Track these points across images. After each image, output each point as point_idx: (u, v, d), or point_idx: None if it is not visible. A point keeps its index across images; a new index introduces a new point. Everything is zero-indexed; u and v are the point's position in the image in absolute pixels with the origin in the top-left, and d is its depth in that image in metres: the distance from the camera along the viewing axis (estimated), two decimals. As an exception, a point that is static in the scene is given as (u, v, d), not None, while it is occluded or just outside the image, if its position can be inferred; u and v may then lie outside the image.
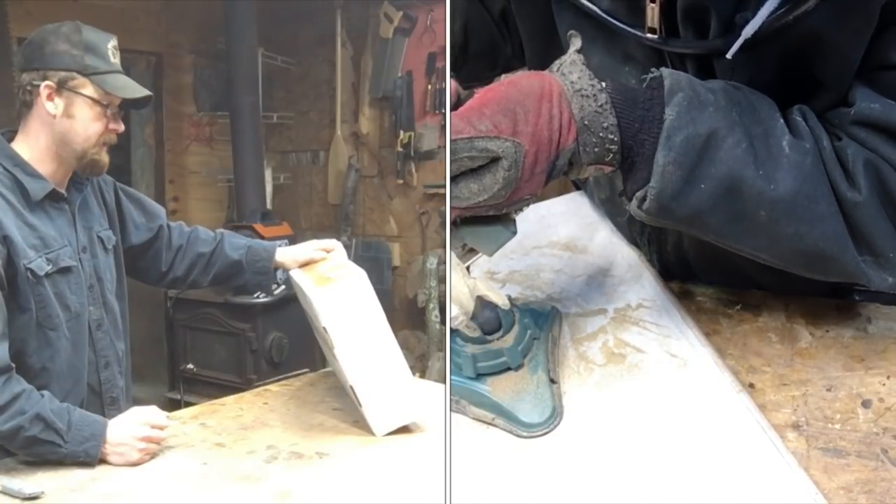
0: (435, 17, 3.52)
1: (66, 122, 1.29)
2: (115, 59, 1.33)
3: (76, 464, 1.15)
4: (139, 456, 1.17)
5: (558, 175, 0.79)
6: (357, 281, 1.25)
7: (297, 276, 1.39)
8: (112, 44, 1.33)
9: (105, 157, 1.34)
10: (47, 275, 1.26)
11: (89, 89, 1.29)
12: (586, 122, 0.76)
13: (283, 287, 3.11)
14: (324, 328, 1.22)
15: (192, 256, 1.54)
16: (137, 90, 1.34)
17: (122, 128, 1.34)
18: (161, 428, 1.21)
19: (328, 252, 1.43)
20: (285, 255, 1.48)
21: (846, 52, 0.80)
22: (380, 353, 1.23)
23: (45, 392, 1.18)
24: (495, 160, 0.74)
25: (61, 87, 1.29)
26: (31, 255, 1.24)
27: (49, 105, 1.29)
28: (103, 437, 1.17)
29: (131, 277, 1.53)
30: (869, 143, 0.81)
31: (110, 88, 1.30)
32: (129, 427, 1.19)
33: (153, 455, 1.19)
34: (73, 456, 1.15)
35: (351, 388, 1.24)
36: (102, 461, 1.17)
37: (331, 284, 1.27)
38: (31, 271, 1.24)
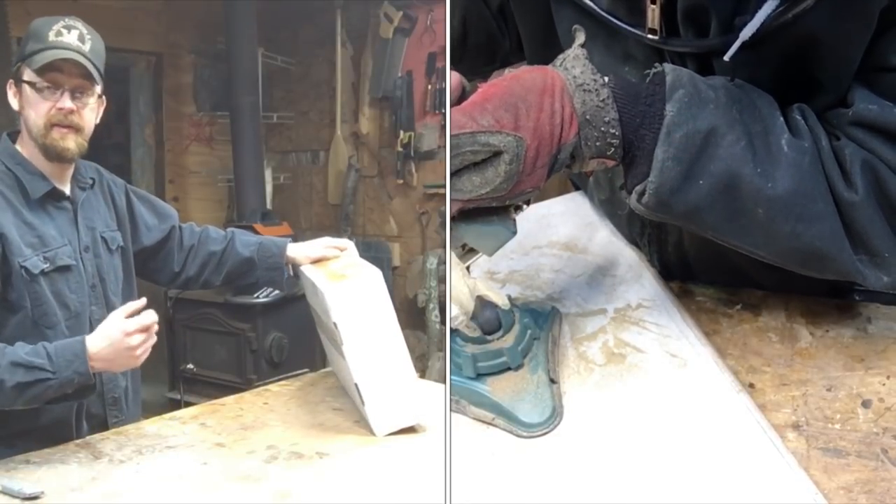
0: (435, 17, 3.52)
1: (24, 112, 1.30)
2: (57, 38, 1.27)
3: (79, 391, 1.13)
4: (140, 350, 1.16)
5: (560, 168, 0.79)
6: (372, 279, 1.24)
7: (308, 271, 1.39)
8: (60, 25, 1.28)
9: (69, 144, 1.29)
10: (44, 273, 1.26)
11: (27, 74, 1.28)
12: (588, 117, 0.76)
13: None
14: (334, 324, 1.21)
15: (204, 256, 1.54)
16: (57, 55, 1.25)
17: (68, 105, 1.27)
18: (141, 312, 1.16)
19: (341, 251, 1.43)
20: (297, 251, 1.47)
21: (845, 53, 0.80)
22: (388, 353, 1.22)
23: (9, 346, 1.14)
24: (497, 154, 0.74)
25: (16, 82, 1.30)
26: (26, 252, 1.24)
27: (13, 103, 1.31)
28: (85, 352, 1.12)
29: (143, 279, 1.52)
30: (867, 144, 0.81)
31: (34, 65, 1.26)
32: (111, 328, 1.14)
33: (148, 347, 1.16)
34: (69, 383, 1.12)
35: (355, 385, 1.23)
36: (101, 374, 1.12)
37: (345, 281, 1.27)
38: (26, 269, 1.24)
